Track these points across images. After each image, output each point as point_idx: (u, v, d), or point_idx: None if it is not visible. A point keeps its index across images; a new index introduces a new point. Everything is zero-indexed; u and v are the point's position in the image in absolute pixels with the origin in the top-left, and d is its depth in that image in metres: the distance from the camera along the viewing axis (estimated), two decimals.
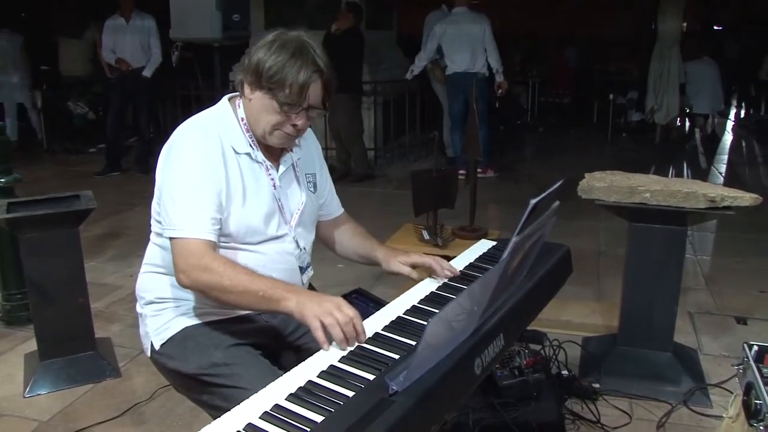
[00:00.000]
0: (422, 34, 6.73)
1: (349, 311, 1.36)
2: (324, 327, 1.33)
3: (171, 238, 1.47)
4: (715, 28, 12.26)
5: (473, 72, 5.91)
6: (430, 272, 1.74)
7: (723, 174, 6.68)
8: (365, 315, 1.45)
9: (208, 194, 1.48)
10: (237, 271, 1.44)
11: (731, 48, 10.16)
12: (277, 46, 1.48)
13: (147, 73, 6.28)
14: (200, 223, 1.46)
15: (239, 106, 1.59)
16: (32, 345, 2.78)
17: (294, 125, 1.53)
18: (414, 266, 1.72)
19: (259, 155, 1.59)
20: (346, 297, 2.32)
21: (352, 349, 1.33)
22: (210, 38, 4.61)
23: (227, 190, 1.52)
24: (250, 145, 1.58)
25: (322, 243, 1.86)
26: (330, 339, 1.34)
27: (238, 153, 1.56)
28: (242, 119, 1.58)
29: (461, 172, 5.02)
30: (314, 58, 1.48)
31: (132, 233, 4.61)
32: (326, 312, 1.34)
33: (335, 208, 1.86)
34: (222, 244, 1.52)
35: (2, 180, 2.97)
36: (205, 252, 1.44)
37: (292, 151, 1.68)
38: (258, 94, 1.51)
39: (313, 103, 1.51)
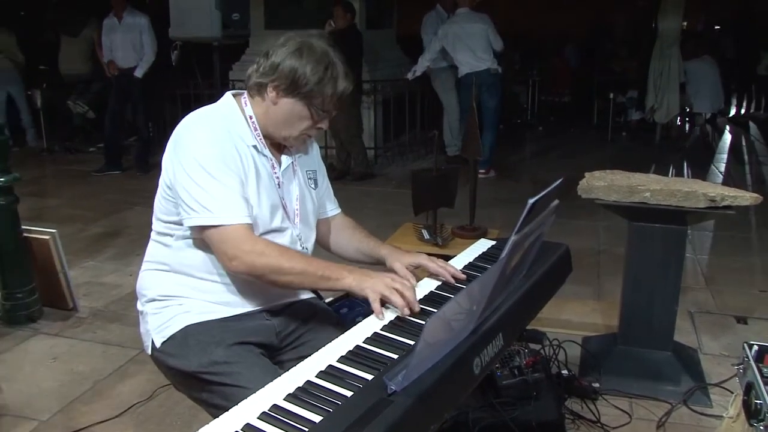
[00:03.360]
0: (420, 33, 6.74)
1: (404, 279, 1.50)
2: (382, 299, 1.43)
3: (209, 226, 1.47)
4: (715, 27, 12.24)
5: (484, 69, 5.94)
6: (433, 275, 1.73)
7: (723, 173, 6.68)
8: (365, 313, 1.45)
9: (234, 179, 1.50)
10: (290, 253, 1.52)
11: (729, 46, 10.13)
12: (306, 54, 1.52)
13: (138, 73, 6.17)
14: (239, 208, 1.49)
15: (246, 104, 1.60)
16: (34, 343, 2.77)
17: (319, 128, 1.60)
18: (418, 267, 1.72)
19: (266, 150, 1.61)
20: (346, 295, 2.33)
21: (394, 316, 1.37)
22: (209, 37, 4.61)
23: (244, 178, 1.54)
24: (257, 140, 1.59)
25: (316, 241, 1.86)
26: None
27: (246, 145, 1.57)
28: (251, 117, 1.59)
29: (481, 171, 5.06)
30: (344, 69, 1.55)
31: (132, 232, 4.60)
32: (387, 286, 1.44)
33: (331, 206, 1.87)
34: None
35: (1, 179, 2.96)
36: (252, 236, 1.49)
37: (294, 149, 1.68)
38: (287, 100, 1.54)
39: (339, 108, 1.59)
